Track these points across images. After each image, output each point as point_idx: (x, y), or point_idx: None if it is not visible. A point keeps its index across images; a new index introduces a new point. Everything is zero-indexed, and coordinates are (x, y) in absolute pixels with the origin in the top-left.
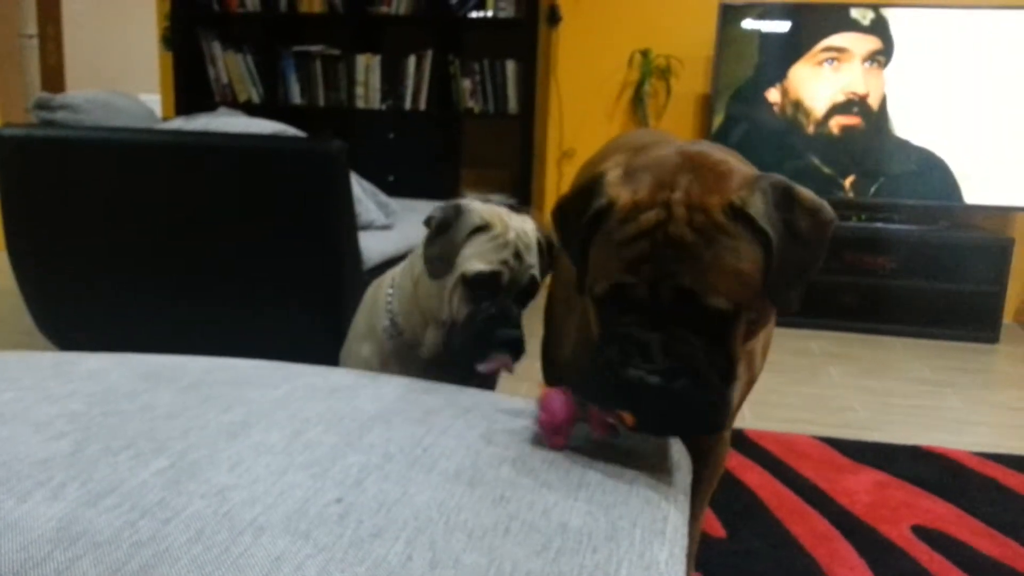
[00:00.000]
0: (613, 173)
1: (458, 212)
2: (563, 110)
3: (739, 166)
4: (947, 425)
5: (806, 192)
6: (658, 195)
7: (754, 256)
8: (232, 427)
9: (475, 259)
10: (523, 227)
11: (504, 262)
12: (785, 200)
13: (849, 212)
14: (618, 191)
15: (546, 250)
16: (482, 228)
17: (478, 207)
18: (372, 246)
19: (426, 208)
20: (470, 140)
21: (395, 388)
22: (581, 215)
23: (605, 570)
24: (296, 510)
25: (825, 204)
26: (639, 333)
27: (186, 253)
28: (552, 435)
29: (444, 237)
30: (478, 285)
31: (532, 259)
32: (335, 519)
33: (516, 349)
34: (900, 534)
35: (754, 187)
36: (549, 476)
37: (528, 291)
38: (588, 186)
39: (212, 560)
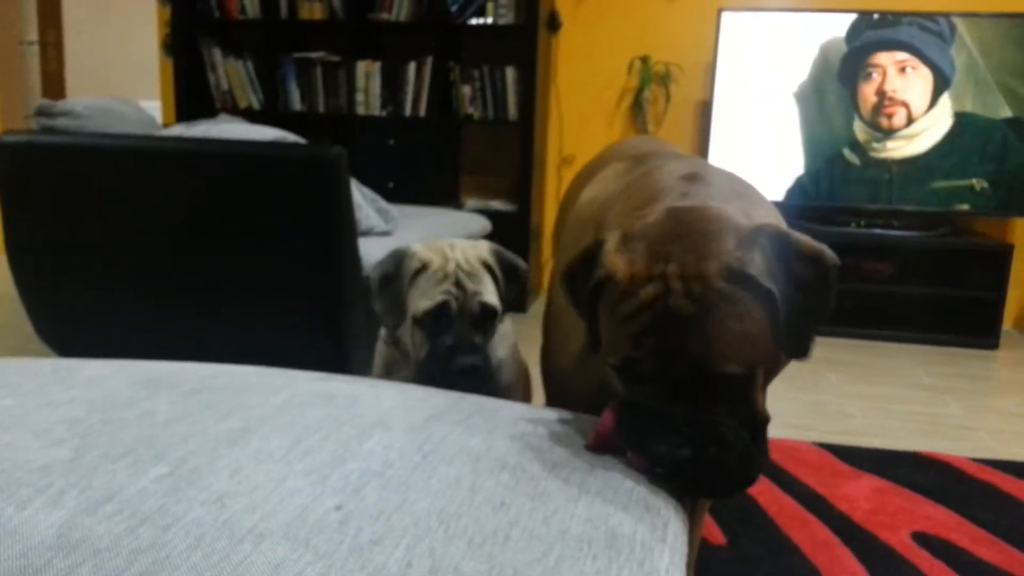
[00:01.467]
0: (611, 240)
1: (396, 261)
2: (563, 116)
3: (735, 217)
4: (947, 431)
5: (804, 239)
6: (653, 268)
7: (760, 315)
8: (232, 434)
9: (420, 299)
10: (465, 256)
11: (446, 292)
12: (784, 251)
13: (848, 218)
14: (615, 263)
15: (503, 271)
16: (422, 269)
17: (417, 249)
18: (372, 252)
19: (426, 214)
20: (470, 146)
21: (395, 394)
22: (586, 281)
23: None
24: (296, 517)
25: (825, 249)
26: (660, 405)
27: (187, 260)
28: (595, 440)
29: (389, 290)
30: (430, 322)
31: (477, 286)
32: (335, 526)
33: (475, 376)
34: (900, 540)
35: (751, 243)
36: (549, 483)
37: (485, 316)
38: (591, 252)
39: (212, 567)
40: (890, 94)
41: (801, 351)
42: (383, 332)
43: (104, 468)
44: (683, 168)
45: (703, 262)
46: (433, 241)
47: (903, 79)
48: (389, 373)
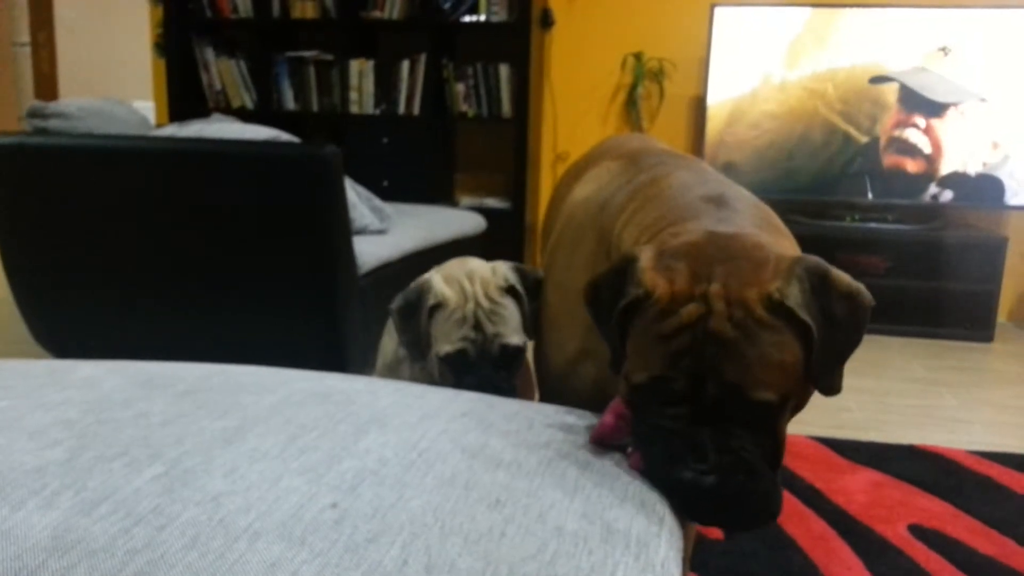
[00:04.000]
0: (646, 257)
1: (415, 295)
2: (557, 113)
3: (772, 247)
4: (943, 424)
5: (843, 276)
6: (696, 287)
7: (795, 347)
8: (227, 433)
9: (441, 340)
10: (486, 290)
11: (465, 338)
12: (822, 286)
13: (843, 212)
14: (655, 280)
15: (526, 289)
16: (439, 306)
17: (436, 282)
18: (367, 251)
19: (421, 212)
20: (464, 144)
21: (391, 393)
22: (616, 298)
23: (601, 572)
24: (291, 516)
25: (862, 288)
26: (688, 429)
27: (181, 260)
28: (597, 434)
29: (413, 321)
30: (453, 363)
31: (499, 327)
32: (330, 524)
33: None
34: (896, 533)
35: (791, 275)
36: (545, 480)
37: (508, 356)
38: (621, 267)
39: (207, 567)
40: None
41: (831, 386)
42: (388, 326)
43: (99, 469)
44: (698, 182)
45: (745, 288)
46: (453, 269)
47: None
48: (392, 371)
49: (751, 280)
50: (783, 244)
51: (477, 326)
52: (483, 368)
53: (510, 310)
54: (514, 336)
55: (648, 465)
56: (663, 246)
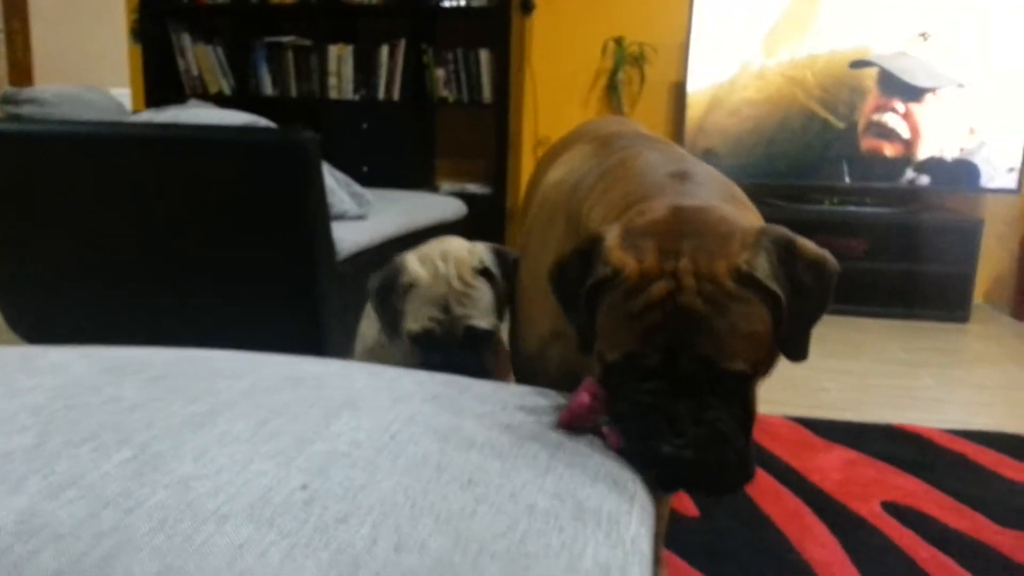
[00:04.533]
0: (612, 236)
1: (390, 273)
2: (538, 99)
3: (737, 219)
4: (918, 404)
5: (808, 244)
6: (664, 264)
7: (764, 317)
8: (197, 418)
9: (409, 319)
10: (459, 270)
11: (432, 318)
12: (789, 256)
13: (822, 196)
14: (623, 259)
15: (504, 272)
16: (412, 285)
17: (411, 261)
18: (346, 237)
19: (401, 197)
20: (445, 130)
21: (364, 376)
22: (582, 279)
23: (571, 549)
24: (260, 498)
25: (827, 255)
26: (664, 404)
27: (157, 246)
28: (569, 417)
29: (389, 301)
30: (420, 342)
31: (467, 308)
32: (300, 506)
33: None
34: (870, 510)
35: (758, 247)
36: (517, 460)
37: (474, 338)
38: (587, 248)
39: (174, 549)
40: None
41: (799, 353)
42: (367, 310)
43: (67, 454)
44: (666, 162)
45: (714, 262)
46: (430, 249)
47: None
48: (373, 355)
49: (719, 253)
50: (747, 216)
51: (445, 307)
52: (449, 348)
53: (482, 292)
54: (482, 319)
55: (626, 441)
56: (629, 224)
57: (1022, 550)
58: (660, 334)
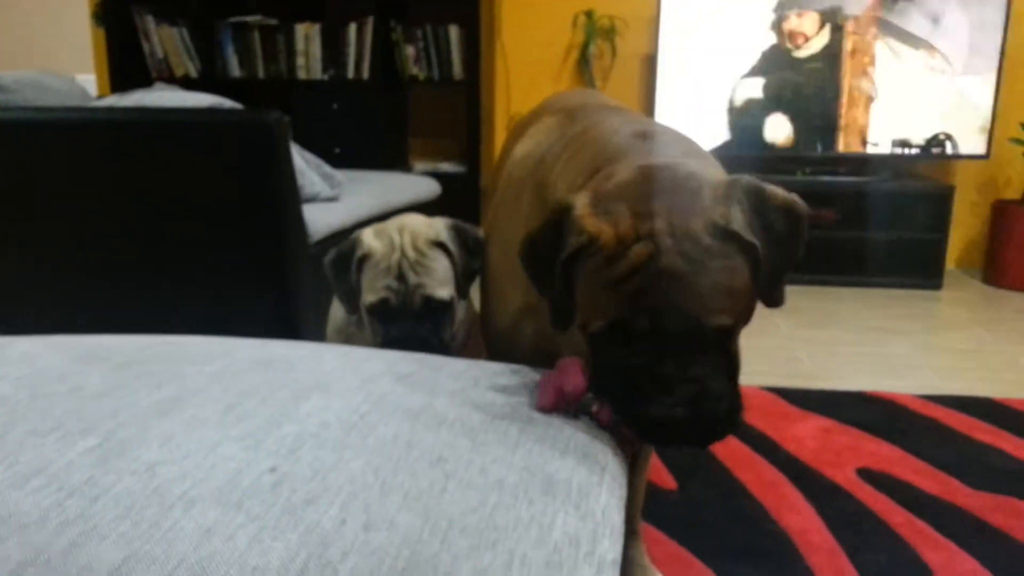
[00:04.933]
0: (581, 204)
1: (346, 248)
2: (510, 74)
3: (704, 174)
4: (892, 370)
5: (777, 191)
6: (640, 227)
7: (744, 269)
8: (163, 404)
9: (366, 291)
10: (414, 242)
11: (388, 287)
12: (761, 204)
13: (794, 167)
14: (597, 226)
15: (464, 247)
16: (366, 258)
17: (364, 235)
18: (318, 219)
19: (374, 179)
20: (417, 108)
21: (334, 357)
22: (555, 251)
23: (540, 522)
24: (228, 482)
25: (797, 199)
26: (651, 365)
27: (124, 232)
28: (556, 399)
29: (345, 275)
30: (378, 313)
31: (422, 278)
32: (268, 488)
33: None
34: (845, 477)
35: (730, 199)
36: (488, 436)
37: (431, 309)
38: (556, 219)
39: (141, 535)
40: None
41: (776, 299)
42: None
43: (31, 443)
44: (628, 124)
45: (689, 219)
46: (388, 223)
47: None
48: (344, 336)
49: (693, 210)
50: (711, 171)
51: (400, 276)
52: (406, 319)
53: (438, 262)
54: (439, 289)
55: (617, 406)
56: (598, 189)
57: (994, 512)
58: (645, 298)
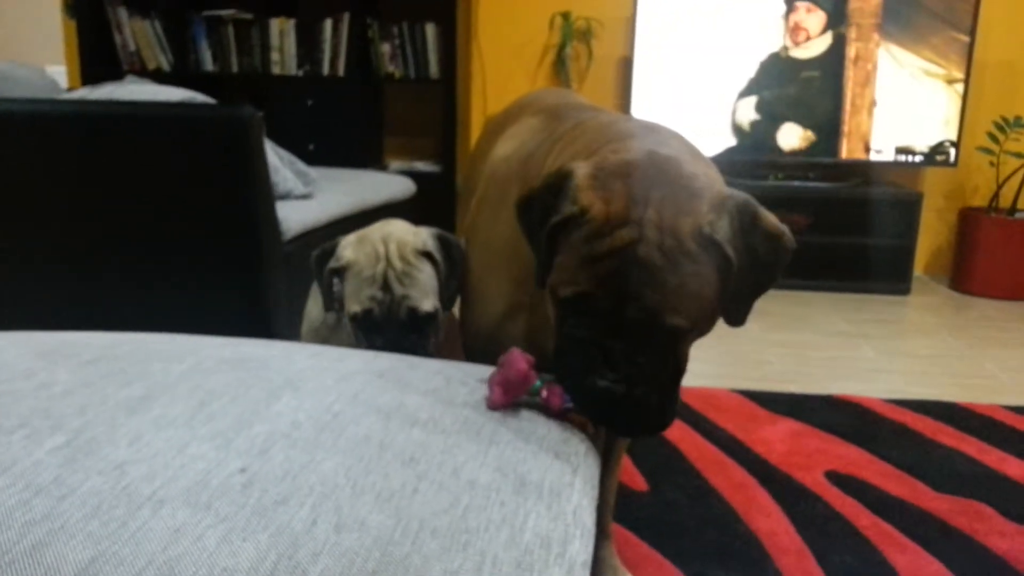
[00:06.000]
0: (582, 174)
1: (331, 250)
2: (486, 74)
3: (706, 178)
4: (860, 374)
5: (770, 217)
6: (631, 211)
7: (714, 280)
8: (132, 402)
9: (350, 300)
10: (400, 252)
11: (372, 298)
12: (751, 225)
13: (766, 171)
14: (591, 200)
15: (448, 257)
16: (351, 266)
17: (349, 241)
18: (291, 216)
19: (348, 177)
20: (392, 106)
21: (307, 357)
22: (548, 213)
23: (512, 523)
24: (197, 482)
25: (786, 231)
26: (602, 341)
27: (94, 229)
28: (503, 393)
29: (327, 278)
30: (361, 324)
31: (408, 289)
32: (238, 489)
33: None
34: (814, 480)
35: (723, 210)
36: (460, 437)
37: (416, 320)
38: (555, 183)
39: (109, 535)
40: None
41: (738, 319)
42: (313, 289)
43: None
44: (625, 119)
45: (679, 217)
46: (371, 231)
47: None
48: (319, 336)
49: (685, 210)
50: (712, 176)
51: (386, 287)
52: (391, 330)
53: (425, 274)
54: (424, 300)
55: (564, 373)
56: (603, 161)
57: (959, 515)
58: (615, 280)
